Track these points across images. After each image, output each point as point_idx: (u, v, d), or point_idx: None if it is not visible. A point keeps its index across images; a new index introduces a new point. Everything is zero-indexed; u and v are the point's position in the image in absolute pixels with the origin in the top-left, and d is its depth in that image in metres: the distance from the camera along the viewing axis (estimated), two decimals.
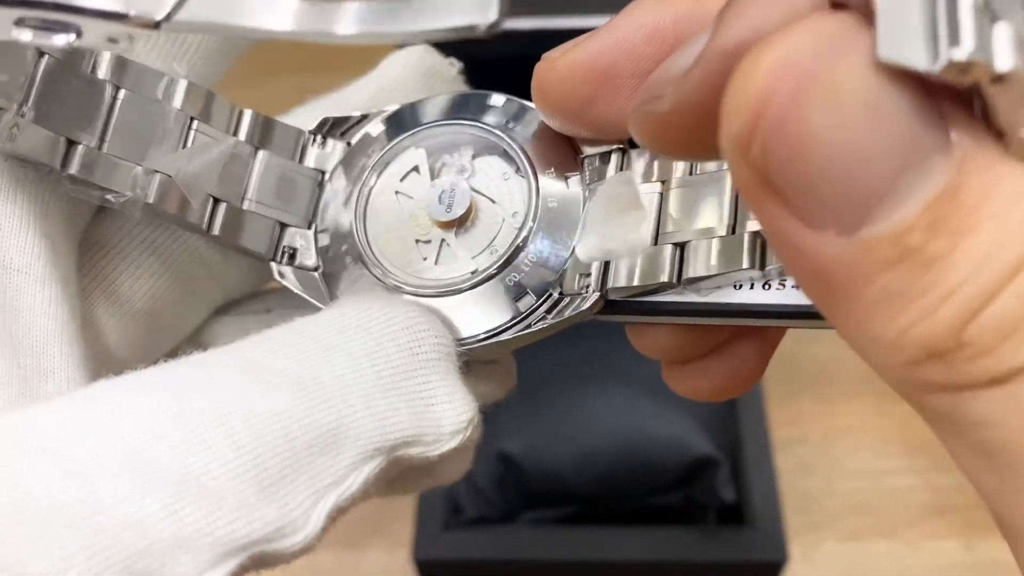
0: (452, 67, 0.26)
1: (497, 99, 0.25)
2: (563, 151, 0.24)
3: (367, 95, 0.25)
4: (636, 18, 0.21)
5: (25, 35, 0.17)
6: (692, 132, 0.17)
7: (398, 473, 0.21)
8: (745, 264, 0.21)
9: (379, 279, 0.23)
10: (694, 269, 0.21)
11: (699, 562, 0.56)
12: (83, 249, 0.23)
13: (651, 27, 0.21)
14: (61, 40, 0.17)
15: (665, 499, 0.59)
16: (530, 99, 0.24)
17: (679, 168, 0.23)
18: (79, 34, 0.17)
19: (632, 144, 0.23)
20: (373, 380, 0.20)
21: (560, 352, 0.60)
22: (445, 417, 0.20)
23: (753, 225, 0.21)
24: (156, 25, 0.17)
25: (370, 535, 0.62)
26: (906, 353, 0.14)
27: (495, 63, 0.53)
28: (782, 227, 0.14)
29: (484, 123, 0.25)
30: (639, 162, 0.23)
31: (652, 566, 0.56)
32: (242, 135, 0.24)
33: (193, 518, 0.17)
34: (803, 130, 0.13)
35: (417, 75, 0.25)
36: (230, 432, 0.18)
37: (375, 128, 0.25)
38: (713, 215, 0.22)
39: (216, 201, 0.23)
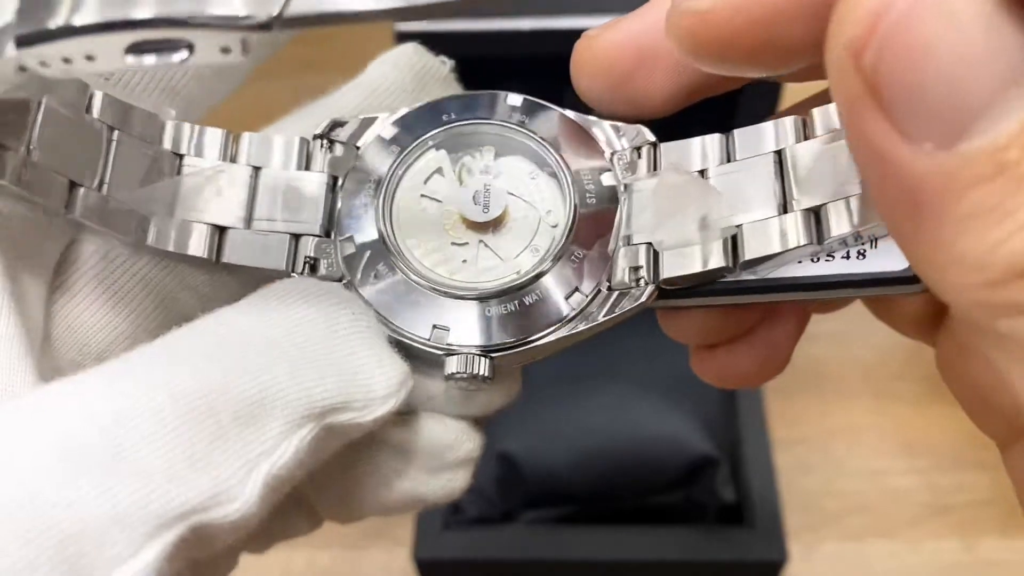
0: (444, 65, 0.25)
1: (514, 99, 0.25)
2: (590, 147, 0.24)
3: (359, 98, 0.25)
4: None
5: (140, 61, 0.17)
6: (731, 32, 0.18)
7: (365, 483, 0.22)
8: (803, 240, 0.21)
9: (418, 284, 0.23)
10: (751, 251, 0.21)
11: (699, 562, 0.56)
12: (62, 268, 0.23)
13: None
14: (177, 59, 0.17)
15: (665, 499, 0.59)
16: (542, 99, 0.24)
17: (715, 158, 0.23)
18: (192, 50, 0.17)
19: (660, 138, 0.24)
20: (296, 354, 0.20)
21: (560, 352, 0.60)
22: (375, 381, 0.20)
23: (805, 202, 0.21)
24: (268, 26, 0.16)
25: (370, 535, 0.62)
26: (991, 271, 0.14)
27: (493, 63, 0.53)
28: (879, 140, 0.14)
29: (507, 122, 0.24)
30: (671, 155, 0.23)
31: (652, 566, 0.56)
32: (241, 160, 0.23)
33: (125, 493, 0.17)
34: (919, 38, 0.13)
35: (409, 75, 0.25)
36: (156, 410, 0.18)
37: (387, 131, 0.24)
38: (762, 197, 0.22)
39: (220, 229, 0.23)
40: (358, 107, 0.25)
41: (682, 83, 0.23)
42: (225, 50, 0.17)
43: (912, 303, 0.24)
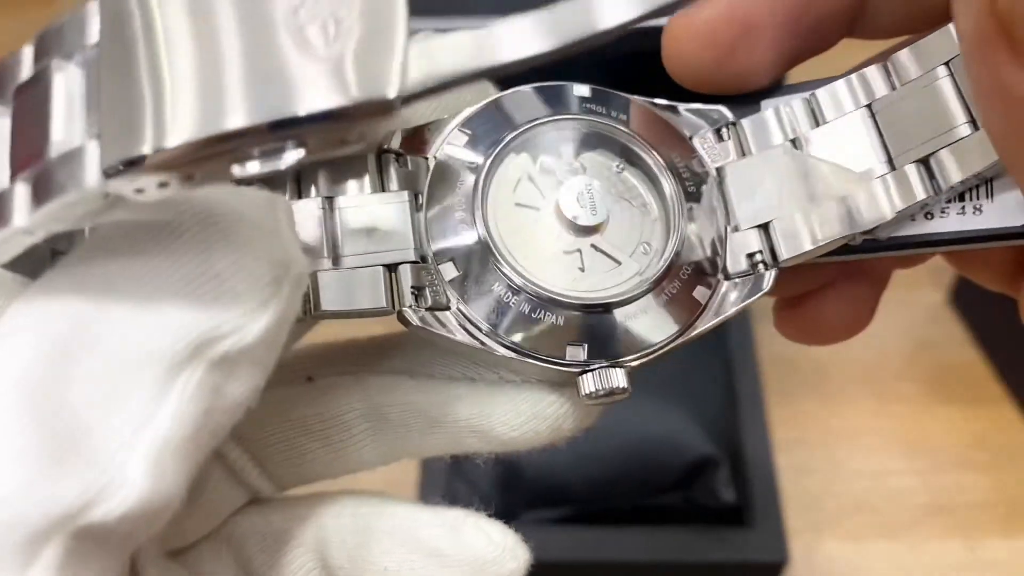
0: None
1: (582, 89, 0.23)
2: (670, 133, 0.23)
3: None
4: None
5: (249, 168, 0.15)
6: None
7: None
8: (920, 195, 0.20)
9: (540, 300, 0.21)
10: (869, 217, 0.21)
11: (699, 562, 0.56)
12: None
13: None
14: (290, 159, 0.15)
15: (665, 499, 0.59)
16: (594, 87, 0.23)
17: (804, 124, 0.22)
18: (306, 146, 0.15)
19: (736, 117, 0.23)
20: (137, 303, 0.16)
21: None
22: (239, 290, 0.16)
23: (912, 154, 0.21)
24: (390, 107, 0.14)
25: None
26: None
27: None
28: (1009, 77, 0.15)
29: (586, 116, 0.23)
30: (756, 130, 0.23)
31: (652, 566, 0.56)
32: (312, 192, 0.21)
33: None
34: None
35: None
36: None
37: (457, 138, 0.22)
38: (867, 156, 0.21)
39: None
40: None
41: (784, 50, 0.22)
42: (345, 142, 0.15)
43: (999, 253, 0.24)
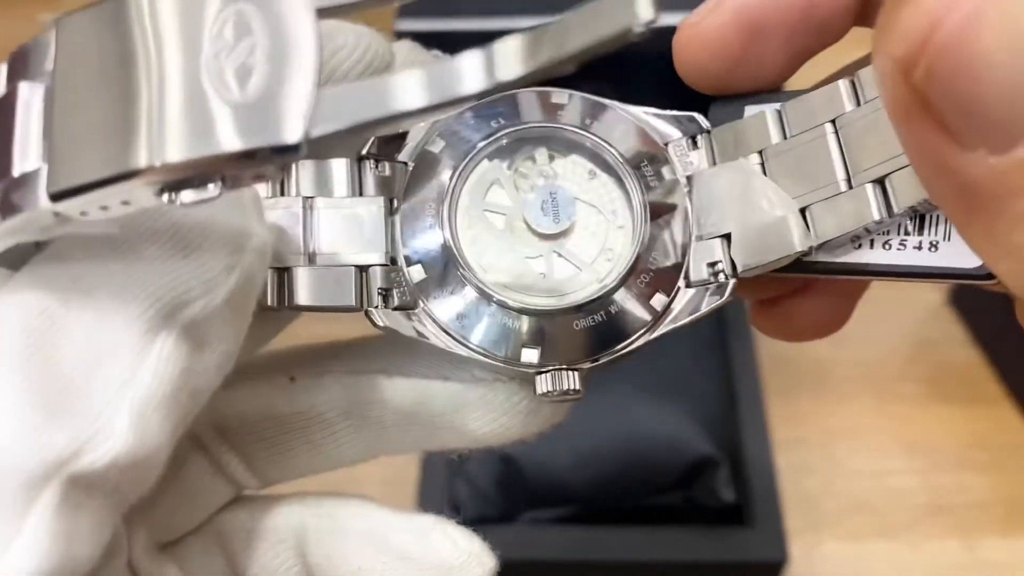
0: (439, 59, 0.24)
1: (560, 96, 0.24)
2: (644, 140, 0.23)
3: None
4: None
5: (175, 198, 0.16)
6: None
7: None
8: (875, 216, 0.21)
9: (499, 304, 0.22)
10: (825, 232, 0.21)
11: (699, 562, 0.56)
12: None
13: None
14: (212, 192, 0.16)
15: (665, 499, 0.59)
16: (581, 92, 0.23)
17: (773, 137, 0.22)
18: (226, 181, 0.16)
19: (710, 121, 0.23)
20: (113, 275, 0.18)
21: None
22: (205, 259, 0.18)
23: (869, 174, 0.21)
24: (296, 149, 0.15)
25: None
26: None
27: None
28: (933, 147, 0.15)
29: (560, 123, 0.23)
30: (726, 139, 0.23)
31: (652, 566, 0.56)
32: (292, 190, 0.22)
33: None
34: (974, 55, 0.13)
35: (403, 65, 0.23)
36: None
37: (435, 144, 0.23)
38: (826, 172, 0.21)
39: (281, 271, 0.21)
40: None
41: (795, 49, 0.22)
42: (260, 177, 0.16)
43: None
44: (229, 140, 0.15)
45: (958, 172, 0.15)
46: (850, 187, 0.21)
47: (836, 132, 0.22)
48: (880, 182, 0.21)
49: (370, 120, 0.15)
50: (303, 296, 0.21)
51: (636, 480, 0.58)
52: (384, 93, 0.15)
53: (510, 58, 0.15)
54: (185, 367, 0.18)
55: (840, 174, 0.21)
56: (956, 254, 0.21)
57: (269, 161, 0.15)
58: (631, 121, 0.24)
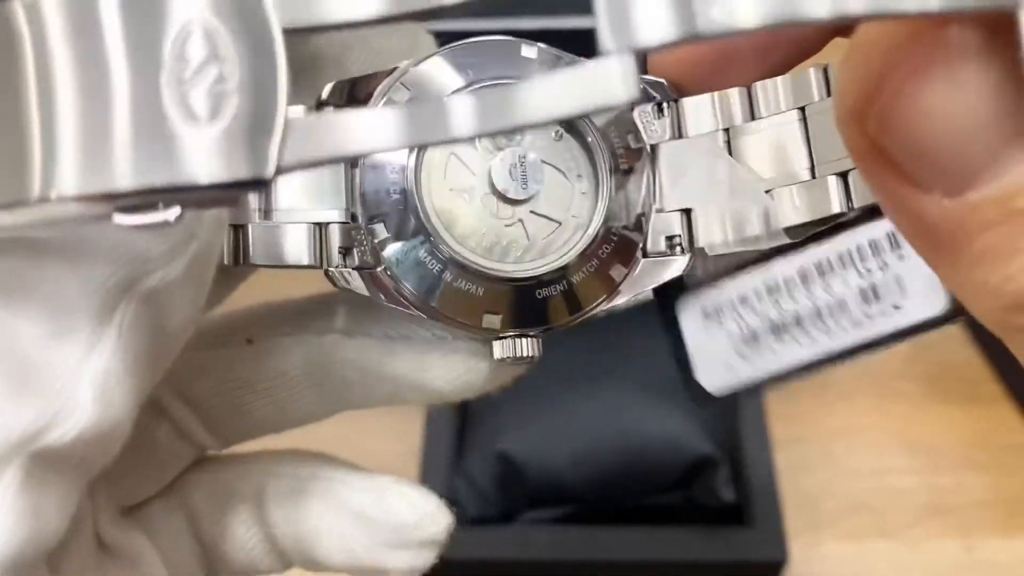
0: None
1: (528, 50, 0.22)
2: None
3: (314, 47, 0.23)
4: None
5: (131, 219, 0.15)
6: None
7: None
8: (835, 209, 0.21)
9: (464, 267, 0.21)
10: (786, 219, 0.21)
11: (699, 562, 0.56)
12: None
13: None
14: (172, 215, 0.15)
15: (665, 499, 0.59)
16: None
17: (739, 115, 0.22)
18: (184, 205, 0.15)
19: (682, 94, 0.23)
20: (68, 249, 0.17)
21: (560, 352, 0.60)
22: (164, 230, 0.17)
23: (834, 166, 0.21)
24: (263, 183, 0.14)
25: None
26: (1006, 299, 0.15)
27: None
28: (891, 189, 0.15)
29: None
30: (692, 111, 0.23)
31: (652, 566, 0.56)
32: None
33: None
34: (920, 104, 0.14)
35: None
36: None
37: (399, 94, 0.21)
38: (792, 161, 0.21)
39: (236, 228, 0.21)
40: (313, 55, 0.23)
41: (770, 64, 0.23)
42: (219, 203, 0.15)
43: None
44: (197, 170, 0.14)
45: (919, 214, 0.15)
46: (813, 177, 0.21)
47: (804, 120, 0.21)
48: (843, 176, 0.21)
49: (341, 156, 0.15)
50: (257, 254, 0.21)
51: (636, 480, 0.58)
52: (357, 130, 0.14)
53: (495, 111, 0.14)
54: (146, 337, 0.18)
55: (804, 163, 0.21)
56: (920, 306, 0.21)
57: (237, 192, 0.15)
58: None
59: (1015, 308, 0.15)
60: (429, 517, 0.23)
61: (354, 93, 0.22)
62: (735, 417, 0.61)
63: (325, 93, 0.22)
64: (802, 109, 0.22)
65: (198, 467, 0.25)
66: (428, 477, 0.59)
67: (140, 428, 0.23)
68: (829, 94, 0.21)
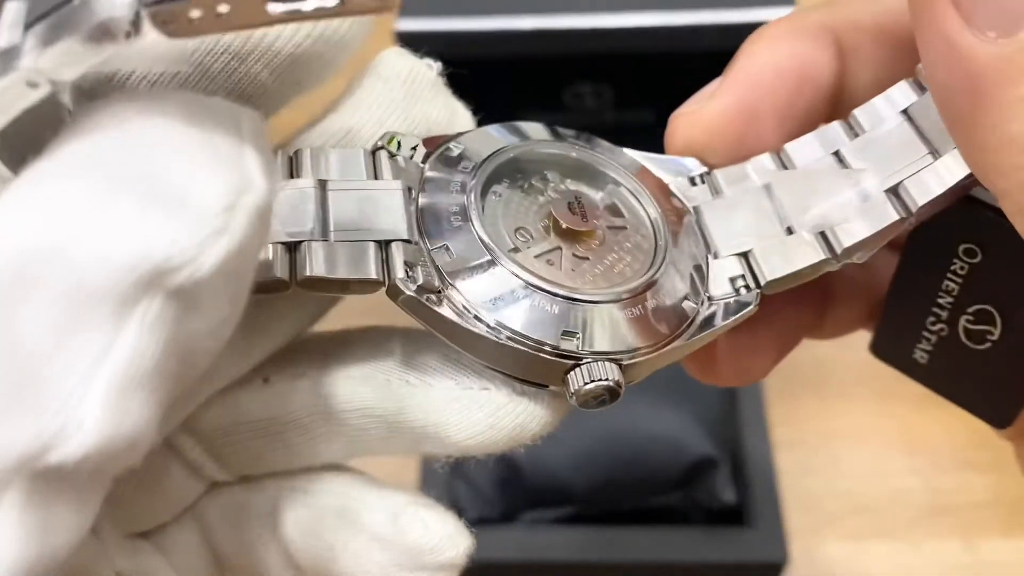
0: (431, 69, 0.24)
1: (566, 131, 0.24)
2: (649, 173, 0.24)
3: (350, 120, 0.23)
4: (760, 59, 0.23)
5: (285, 6, 0.14)
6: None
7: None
8: (893, 217, 0.21)
9: (535, 288, 0.21)
10: (847, 239, 0.22)
11: (699, 562, 0.56)
12: None
13: (774, 65, 0.23)
14: (330, 2, 0.15)
15: (665, 499, 0.59)
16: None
17: (770, 163, 0.23)
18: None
19: None
20: (85, 229, 0.15)
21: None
22: (189, 218, 0.15)
23: (883, 184, 0.22)
24: None
25: None
26: None
27: (493, 63, 0.53)
28: (949, 29, 0.16)
29: (576, 142, 0.24)
30: (726, 177, 0.24)
31: (652, 566, 0.56)
32: (305, 174, 0.21)
33: None
34: None
35: (398, 86, 0.23)
36: None
37: (453, 149, 0.22)
38: (835, 190, 0.22)
39: (292, 247, 0.19)
40: (350, 128, 0.23)
41: (791, 128, 0.24)
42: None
43: None
44: None
45: (968, 54, 0.16)
46: (864, 201, 0.22)
47: (841, 160, 0.23)
48: (894, 190, 0.22)
49: None
50: (315, 267, 0.19)
51: (636, 480, 0.58)
52: None
53: None
54: (170, 339, 0.15)
55: (850, 190, 0.22)
56: None
57: None
58: (633, 156, 0.24)
59: None
60: (447, 540, 0.22)
61: (402, 145, 0.22)
62: (735, 417, 0.61)
63: (380, 140, 0.22)
64: (836, 153, 0.23)
65: (212, 487, 0.24)
66: (428, 477, 0.59)
67: (150, 464, 0.21)
68: (856, 136, 0.23)
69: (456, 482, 0.60)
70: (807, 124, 0.24)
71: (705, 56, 0.54)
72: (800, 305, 0.26)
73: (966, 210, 0.21)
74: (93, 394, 0.14)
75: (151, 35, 0.15)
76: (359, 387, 0.22)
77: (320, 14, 0.15)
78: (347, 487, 0.23)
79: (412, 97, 0.23)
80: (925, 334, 0.25)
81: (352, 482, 0.23)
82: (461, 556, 0.22)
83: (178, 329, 0.15)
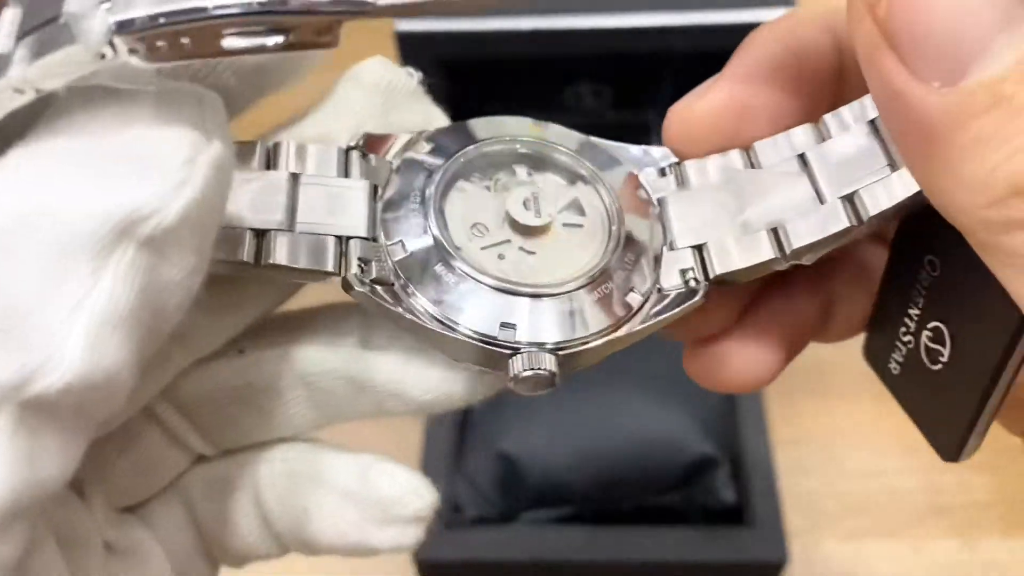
0: (411, 78, 0.25)
1: (539, 124, 0.25)
2: (616, 164, 0.25)
3: (327, 124, 0.25)
4: (756, 54, 0.24)
5: (237, 43, 0.17)
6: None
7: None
8: (845, 223, 0.22)
9: (480, 282, 0.22)
10: (798, 239, 0.22)
11: (699, 562, 0.56)
12: None
13: (769, 60, 0.24)
14: (271, 42, 0.17)
15: (665, 499, 0.59)
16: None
17: (738, 159, 0.24)
18: (288, 34, 0.17)
19: None
20: (63, 187, 0.17)
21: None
22: (152, 170, 0.17)
23: (840, 192, 0.22)
24: (367, 9, 0.16)
25: None
26: (992, 191, 0.16)
27: (493, 63, 0.53)
28: (895, 80, 0.17)
29: (543, 141, 0.25)
30: (694, 170, 0.24)
31: (652, 566, 0.56)
32: (280, 166, 0.22)
33: None
34: None
35: (376, 94, 0.25)
36: None
37: (422, 147, 0.24)
38: (797, 191, 0.23)
39: (260, 233, 0.21)
40: (327, 133, 0.24)
41: (787, 123, 0.24)
42: (320, 34, 0.17)
43: None
44: None
45: (916, 104, 0.17)
46: (821, 203, 0.23)
47: (805, 163, 0.23)
48: (850, 198, 0.22)
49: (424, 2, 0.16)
50: (279, 256, 0.21)
51: (636, 480, 0.58)
52: None
53: None
54: (144, 286, 0.17)
55: (810, 193, 0.23)
56: None
57: (338, 16, 0.16)
58: (603, 148, 0.25)
59: (1002, 198, 0.16)
60: (412, 492, 0.24)
61: (378, 143, 0.24)
62: (735, 417, 0.61)
63: (353, 141, 0.23)
64: (801, 156, 0.23)
65: (196, 463, 0.25)
66: (428, 477, 0.59)
67: (133, 435, 0.24)
68: (824, 139, 0.23)
69: (456, 482, 0.60)
70: (804, 118, 0.24)
71: (705, 56, 0.54)
72: (804, 308, 0.26)
73: (930, 220, 0.21)
74: (74, 333, 0.16)
75: (126, 56, 0.17)
76: (326, 353, 0.24)
77: (268, 50, 0.17)
78: (318, 453, 0.25)
79: (391, 104, 0.25)
80: (898, 344, 0.25)
81: (323, 448, 0.25)
82: (427, 508, 0.24)
83: (150, 278, 0.17)
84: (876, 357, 0.26)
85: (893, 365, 0.26)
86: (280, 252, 0.21)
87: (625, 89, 0.57)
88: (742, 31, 0.24)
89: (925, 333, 0.24)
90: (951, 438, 0.23)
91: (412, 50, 0.51)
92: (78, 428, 0.18)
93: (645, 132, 0.59)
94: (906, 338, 0.24)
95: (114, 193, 0.17)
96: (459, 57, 0.52)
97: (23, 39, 0.18)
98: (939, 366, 0.23)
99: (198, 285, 0.19)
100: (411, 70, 0.25)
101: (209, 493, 0.25)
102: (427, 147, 0.24)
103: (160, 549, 0.24)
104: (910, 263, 0.23)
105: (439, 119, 0.25)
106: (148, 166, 0.17)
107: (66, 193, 0.17)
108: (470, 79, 0.53)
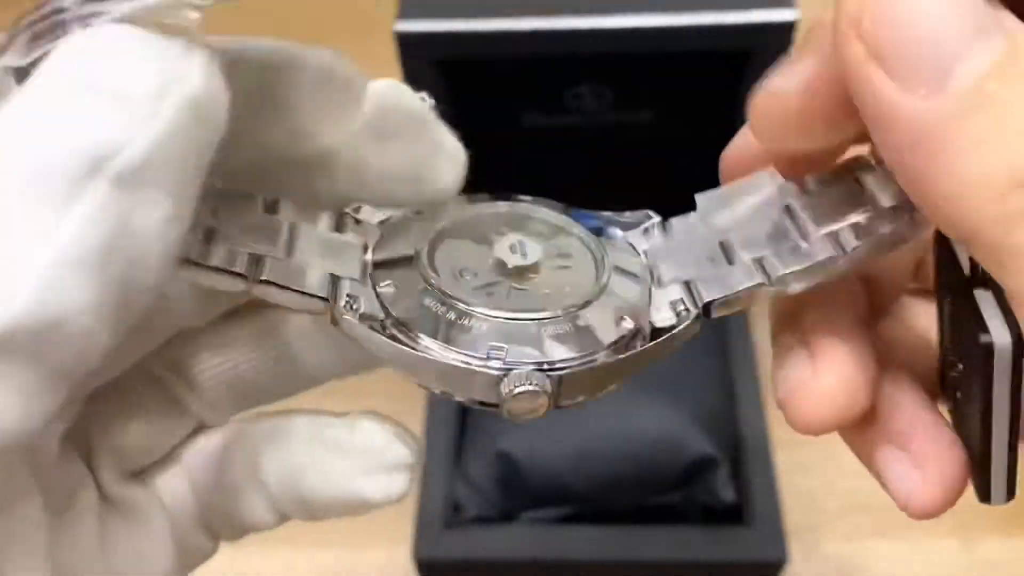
0: (423, 103, 0.24)
1: (524, 197, 0.26)
2: (601, 228, 0.26)
3: (333, 143, 0.24)
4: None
5: None
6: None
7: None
8: (830, 253, 0.22)
9: (470, 311, 0.23)
10: (785, 267, 0.23)
11: (699, 562, 0.56)
12: None
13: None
14: None
15: (664, 499, 0.59)
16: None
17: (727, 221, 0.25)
18: None
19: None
20: (30, 121, 0.17)
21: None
22: (123, 102, 0.17)
23: (824, 230, 0.23)
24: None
25: (370, 534, 0.62)
26: (994, 187, 0.17)
27: (494, 63, 0.53)
28: (885, 93, 0.17)
29: (524, 200, 0.26)
30: (678, 223, 0.25)
31: (652, 566, 0.56)
32: (280, 215, 0.23)
33: None
34: (900, 5, 0.17)
35: (381, 115, 0.23)
36: None
37: (408, 214, 0.25)
38: (779, 230, 0.23)
39: (258, 258, 0.22)
40: (329, 151, 0.24)
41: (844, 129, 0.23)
42: None
43: None
44: None
45: (906, 114, 0.17)
46: (804, 240, 0.23)
47: (789, 211, 0.24)
48: (834, 235, 0.23)
49: None
50: (272, 275, 0.21)
51: (636, 480, 0.58)
52: None
53: None
54: (114, 228, 0.16)
55: (795, 232, 0.24)
56: None
57: None
58: (592, 217, 0.26)
59: (1006, 193, 0.16)
60: (396, 439, 0.25)
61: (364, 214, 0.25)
62: (735, 417, 0.61)
63: (348, 208, 0.25)
64: (787, 206, 0.24)
65: (196, 431, 0.26)
66: (428, 477, 0.59)
67: (139, 400, 0.25)
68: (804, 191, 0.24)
69: (456, 482, 0.60)
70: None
71: (705, 56, 0.54)
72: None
73: (943, 249, 0.21)
74: (29, 270, 0.16)
75: None
76: (304, 316, 0.25)
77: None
78: (312, 417, 0.26)
79: (400, 125, 0.24)
80: (950, 375, 0.24)
81: (317, 414, 0.26)
82: (411, 454, 0.25)
83: (122, 219, 0.16)
84: (944, 389, 0.26)
85: (949, 390, 0.25)
86: (274, 273, 0.22)
87: (625, 89, 0.57)
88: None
89: (949, 359, 0.24)
90: (978, 478, 0.23)
91: (412, 50, 0.51)
92: (41, 377, 0.16)
93: (646, 132, 0.59)
94: (952, 372, 0.24)
95: (81, 128, 0.16)
96: (459, 57, 0.52)
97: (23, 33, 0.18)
98: (954, 400, 0.24)
99: (177, 239, 0.18)
100: (425, 95, 0.24)
101: (211, 466, 0.26)
102: (412, 213, 0.25)
103: (162, 513, 0.25)
104: (943, 288, 0.24)
105: (448, 146, 0.24)
106: (115, 99, 0.17)
107: (33, 131, 0.16)
108: (470, 79, 0.53)
